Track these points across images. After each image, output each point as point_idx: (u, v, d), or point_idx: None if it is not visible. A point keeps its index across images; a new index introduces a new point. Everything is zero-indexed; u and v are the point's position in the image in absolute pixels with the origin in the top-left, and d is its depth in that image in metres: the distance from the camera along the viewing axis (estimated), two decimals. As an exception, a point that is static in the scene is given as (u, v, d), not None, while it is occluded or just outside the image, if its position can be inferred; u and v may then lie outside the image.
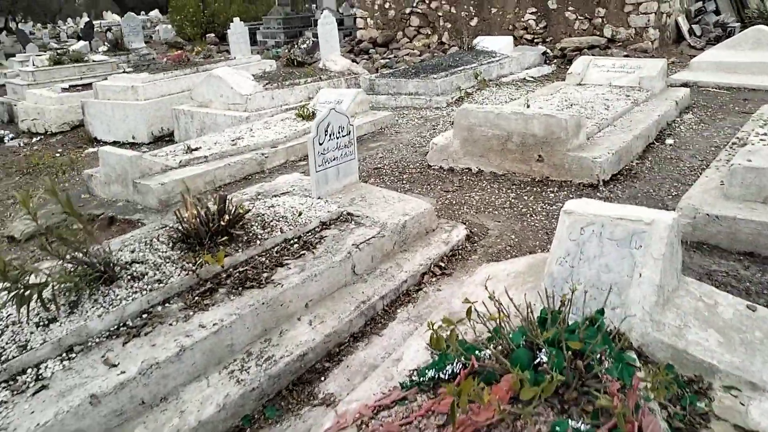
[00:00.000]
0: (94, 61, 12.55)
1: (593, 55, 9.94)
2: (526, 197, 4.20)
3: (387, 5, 13.30)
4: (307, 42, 16.14)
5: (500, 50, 9.55)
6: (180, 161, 5.07)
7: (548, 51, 10.70)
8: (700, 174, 4.28)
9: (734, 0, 11.94)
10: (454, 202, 4.21)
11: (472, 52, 9.42)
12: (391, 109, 7.40)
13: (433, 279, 3.10)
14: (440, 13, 12.62)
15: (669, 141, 5.19)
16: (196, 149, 5.45)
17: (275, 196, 3.63)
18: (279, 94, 7.64)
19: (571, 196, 4.15)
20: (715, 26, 11.23)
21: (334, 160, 3.58)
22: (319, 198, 3.51)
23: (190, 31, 20.48)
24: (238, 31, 12.04)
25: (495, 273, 2.80)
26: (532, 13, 11.44)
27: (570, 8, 10.98)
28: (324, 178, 3.55)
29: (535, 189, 4.32)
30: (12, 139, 9.51)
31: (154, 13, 33.22)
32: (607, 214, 2.35)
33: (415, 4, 12.73)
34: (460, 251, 3.39)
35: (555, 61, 10.38)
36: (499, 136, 4.61)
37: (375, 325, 2.77)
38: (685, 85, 7.08)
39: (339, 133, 3.56)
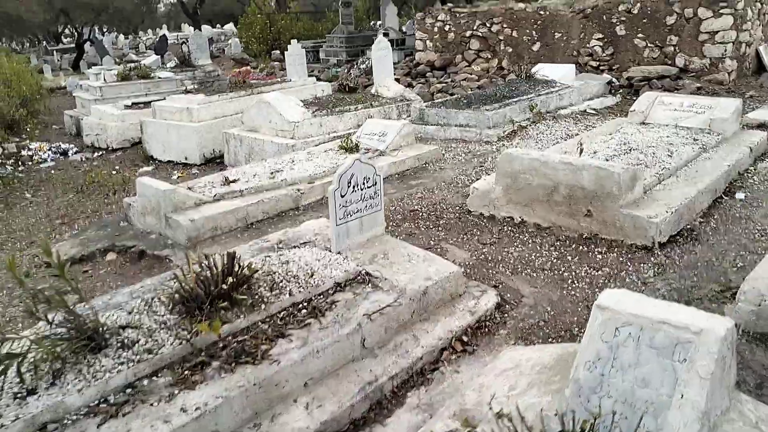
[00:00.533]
0: (159, 77, 12.93)
1: (662, 86, 9.35)
2: (569, 257, 3.83)
3: (447, 28, 13.07)
4: (366, 62, 16.10)
5: (561, 79, 9.10)
6: (215, 195, 4.99)
7: (614, 80, 10.14)
8: (774, 241, 3.79)
9: (826, 28, 10.99)
10: (489, 258, 3.89)
11: (529, 81, 9.03)
12: (439, 141, 7.14)
13: (453, 357, 2.81)
14: (501, 37, 12.27)
15: (739, 195, 4.67)
16: (233, 181, 5.38)
17: (294, 246, 3.44)
18: (328, 122, 7.52)
19: (621, 258, 3.76)
20: (802, 57, 10.34)
21: (357, 212, 3.36)
22: (338, 253, 3.30)
23: (256, 48, 20.99)
24: (295, 53, 12.14)
25: (519, 361, 2.49)
26: (598, 39, 10.92)
27: (639, 35, 10.39)
28: (345, 232, 3.34)
29: (580, 248, 3.94)
30: (76, 152, 9.88)
31: (229, 27, 34.24)
32: (648, 315, 2.00)
33: (475, 27, 12.43)
34: (487, 323, 3.08)
35: (621, 91, 9.81)
36: (545, 186, 4.26)
37: (380, 410, 2.51)
38: (762, 126, 6.45)
39: (364, 184, 3.34)
